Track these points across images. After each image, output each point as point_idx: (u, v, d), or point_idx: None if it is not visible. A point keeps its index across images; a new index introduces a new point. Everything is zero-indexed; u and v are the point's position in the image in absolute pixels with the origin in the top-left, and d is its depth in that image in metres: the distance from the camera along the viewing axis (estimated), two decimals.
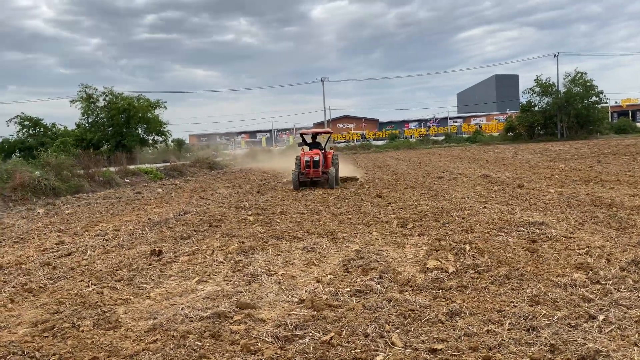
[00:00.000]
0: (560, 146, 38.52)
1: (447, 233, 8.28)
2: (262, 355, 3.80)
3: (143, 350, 3.94)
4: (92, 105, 41.89)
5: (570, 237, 7.37)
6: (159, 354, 3.83)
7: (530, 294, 4.86)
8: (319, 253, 7.35)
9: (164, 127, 43.59)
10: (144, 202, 16.27)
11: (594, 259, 6.04)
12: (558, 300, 4.63)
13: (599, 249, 6.49)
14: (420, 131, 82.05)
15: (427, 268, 6.04)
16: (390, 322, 4.29)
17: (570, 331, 3.93)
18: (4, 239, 9.99)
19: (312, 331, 4.20)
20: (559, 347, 3.63)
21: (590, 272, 5.42)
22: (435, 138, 69.69)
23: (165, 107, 43.81)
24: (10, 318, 5.10)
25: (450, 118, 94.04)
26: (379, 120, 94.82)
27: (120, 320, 4.78)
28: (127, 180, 24.56)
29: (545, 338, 3.80)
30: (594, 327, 3.98)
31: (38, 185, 17.22)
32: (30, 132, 39.99)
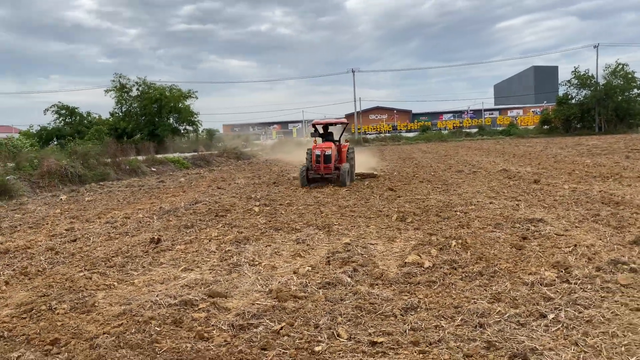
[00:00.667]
0: (594, 140, 37.39)
1: (442, 228, 8.27)
2: (212, 342, 3.98)
3: (104, 333, 4.17)
4: (126, 94, 42.96)
5: (563, 235, 7.27)
6: (115, 337, 4.05)
7: (494, 291, 4.88)
8: (308, 245, 7.48)
9: (195, 117, 44.33)
10: (163, 190, 16.72)
11: (575, 258, 5.97)
12: (518, 298, 4.64)
13: (585, 248, 6.40)
14: (454, 123, 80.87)
15: (406, 262, 6.09)
16: (344, 314, 4.40)
17: (516, 329, 3.95)
18: (21, 224, 10.50)
19: (267, 321, 4.35)
20: (497, 344, 3.67)
21: (564, 271, 5.38)
22: (468, 130, 68.59)
23: (196, 97, 44.54)
24: (0, 300, 5.43)
25: (486, 110, 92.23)
26: (413, 112, 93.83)
27: (96, 304, 5.04)
28: (153, 169, 25.20)
29: (488, 335, 3.84)
30: (541, 325, 3.99)
31: (64, 173, 17.90)
32: (67, 120, 41.30)
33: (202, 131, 48.61)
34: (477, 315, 4.26)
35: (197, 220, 10.03)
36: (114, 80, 42.43)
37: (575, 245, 6.55)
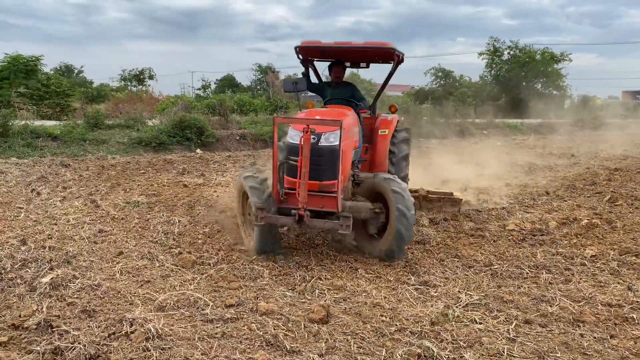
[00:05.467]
0: None
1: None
2: None
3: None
4: (497, 58, 44.74)
5: None
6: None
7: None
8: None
9: (563, 82, 42.78)
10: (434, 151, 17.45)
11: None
12: None
13: None
14: None
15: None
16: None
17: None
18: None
19: None
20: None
21: None
22: None
23: (570, 60, 42.76)
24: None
25: None
26: None
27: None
28: (485, 132, 26.98)
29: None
30: None
31: None
32: (441, 82, 46.27)
33: (571, 96, 46.13)
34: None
35: None
36: (488, 44, 44.74)
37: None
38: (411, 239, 5.48)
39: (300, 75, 6.78)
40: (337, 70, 6.75)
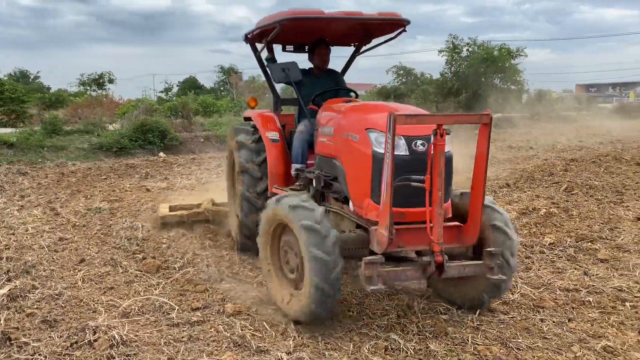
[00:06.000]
0: None
1: None
2: None
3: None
4: (456, 55, 45.54)
5: None
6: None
7: None
8: None
9: (520, 77, 43.82)
10: None
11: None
12: None
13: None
14: None
15: None
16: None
17: None
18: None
19: None
20: None
21: None
22: None
23: (525, 55, 43.88)
24: None
25: None
26: None
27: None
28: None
29: None
30: None
31: None
32: (403, 80, 46.82)
33: (528, 90, 47.34)
34: None
35: None
36: (447, 41, 45.45)
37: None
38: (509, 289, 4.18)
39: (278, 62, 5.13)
40: (324, 53, 5.27)
